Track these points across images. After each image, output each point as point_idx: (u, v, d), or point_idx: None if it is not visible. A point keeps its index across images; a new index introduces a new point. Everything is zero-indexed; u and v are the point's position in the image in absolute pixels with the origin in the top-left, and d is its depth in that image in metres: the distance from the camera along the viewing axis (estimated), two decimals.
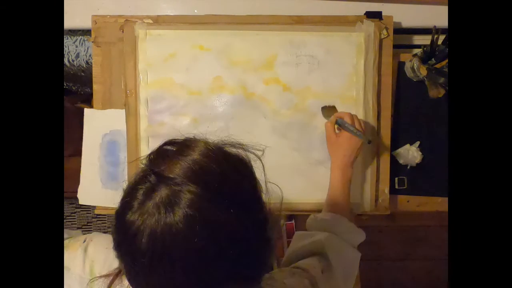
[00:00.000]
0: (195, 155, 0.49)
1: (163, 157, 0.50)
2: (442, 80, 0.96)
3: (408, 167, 1.03)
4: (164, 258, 0.45)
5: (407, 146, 1.03)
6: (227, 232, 0.47)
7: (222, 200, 0.47)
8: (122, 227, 0.48)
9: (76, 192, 1.01)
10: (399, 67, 1.03)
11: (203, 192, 0.46)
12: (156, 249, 0.45)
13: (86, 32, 1.09)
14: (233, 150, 0.53)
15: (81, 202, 1.01)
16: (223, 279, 0.48)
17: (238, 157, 0.53)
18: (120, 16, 0.98)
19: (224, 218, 0.46)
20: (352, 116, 0.88)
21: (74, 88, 1.39)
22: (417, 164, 1.04)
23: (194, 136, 0.53)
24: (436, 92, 1.00)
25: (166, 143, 0.52)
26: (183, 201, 0.45)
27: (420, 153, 1.02)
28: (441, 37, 0.93)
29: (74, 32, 1.10)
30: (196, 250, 0.45)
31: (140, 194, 0.48)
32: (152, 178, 0.48)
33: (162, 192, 0.46)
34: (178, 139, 0.53)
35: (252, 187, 0.52)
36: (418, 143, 1.03)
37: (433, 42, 0.93)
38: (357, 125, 0.87)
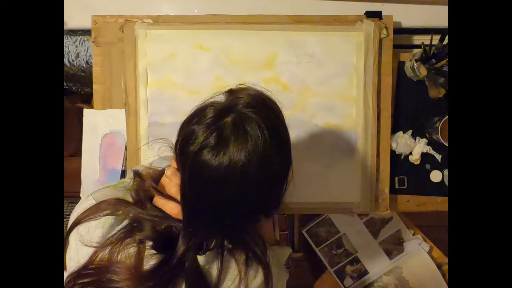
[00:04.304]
0: (255, 93, 0.61)
1: (230, 92, 0.61)
2: (442, 80, 0.96)
3: (402, 157, 1.03)
4: (237, 170, 0.54)
5: (400, 133, 1.03)
6: (276, 156, 0.57)
7: (274, 131, 0.57)
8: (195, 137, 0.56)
9: (76, 191, 1.02)
10: (399, 67, 1.03)
11: (264, 119, 0.56)
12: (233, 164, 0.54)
13: (86, 32, 1.09)
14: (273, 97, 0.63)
15: None
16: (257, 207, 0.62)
17: (278, 106, 0.62)
18: (120, 16, 0.98)
19: (276, 144, 0.57)
20: None
21: (74, 88, 1.39)
22: (417, 164, 1.04)
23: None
24: (436, 92, 1.00)
25: (229, 89, 0.62)
26: (252, 124, 0.55)
27: (413, 140, 1.03)
28: (436, 37, 0.94)
29: (74, 32, 1.10)
30: (254, 167, 0.54)
31: (211, 112, 0.57)
32: (221, 104, 0.58)
33: (232, 115, 0.56)
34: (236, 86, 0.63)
35: (287, 130, 0.63)
36: (410, 131, 1.04)
37: (428, 50, 0.93)
38: None
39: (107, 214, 0.62)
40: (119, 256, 0.59)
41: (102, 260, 0.59)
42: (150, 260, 0.59)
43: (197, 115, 0.58)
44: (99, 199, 0.64)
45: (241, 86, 0.63)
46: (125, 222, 0.62)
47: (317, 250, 1.27)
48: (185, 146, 0.57)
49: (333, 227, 1.27)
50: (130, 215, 0.62)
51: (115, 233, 0.60)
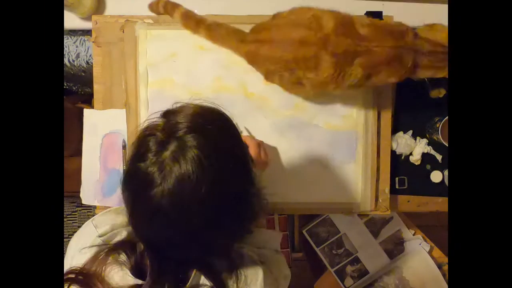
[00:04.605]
0: (194, 113, 0.57)
1: (167, 115, 0.58)
2: (442, 81, 0.96)
3: (403, 157, 1.03)
4: (182, 205, 0.52)
5: (400, 133, 1.03)
6: (226, 180, 0.54)
7: (220, 151, 0.55)
8: (137, 177, 0.54)
9: (76, 191, 1.02)
10: None
11: (206, 143, 0.53)
12: (175, 198, 0.52)
13: (86, 32, 1.09)
14: (217, 109, 0.60)
15: (84, 202, 1.01)
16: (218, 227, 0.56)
17: (225, 115, 0.60)
18: (120, 16, 0.98)
19: (223, 167, 0.54)
20: (258, 146, 0.87)
21: (74, 88, 1.39)
22: (417, 165, 1.04)
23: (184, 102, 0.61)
24: (437, 92, 1.00)
25: (165, 111, 0.60)
26: (190, 153, 0.52)
27: (413, 140, 1.03)
28: None
29: (74, 32, 1.10)
30: (203, 197, 0.52)
31: (152, 145, 0.54)
32: (161, 132, 0.55)
33: (172, 145, 0.53)
34: (173, 106, 0.61)
35: (240, 142, 0.60)
36: (411, 131, 1.04)
37: None
38: (262, 155, 0.87)
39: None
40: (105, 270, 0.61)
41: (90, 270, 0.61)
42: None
43: (139, 151, 0.55)
44: (98, 225, 0.67)
45: (178, 105, 0.60)
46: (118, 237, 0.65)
47: (317, 250, 1.27)
48: (129, 184, 0.56)
49: (333, 227, 1.27)
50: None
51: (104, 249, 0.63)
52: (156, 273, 0.58)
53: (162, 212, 0.52)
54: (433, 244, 1.23)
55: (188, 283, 0.60)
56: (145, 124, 0.58)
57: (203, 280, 0.61)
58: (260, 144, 0.88)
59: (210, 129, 0.56)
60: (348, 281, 1.26)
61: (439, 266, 1.19)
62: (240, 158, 0.58)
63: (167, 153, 0.52)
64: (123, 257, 0.61)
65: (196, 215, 0.53)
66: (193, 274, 0.60)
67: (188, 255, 0.59)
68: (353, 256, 1.26)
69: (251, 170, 0.59)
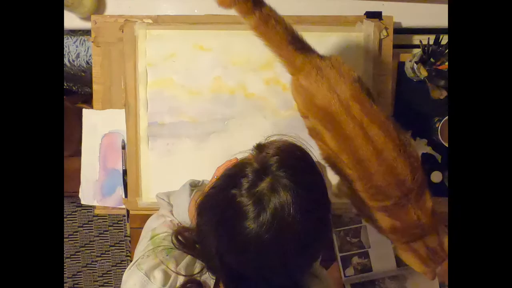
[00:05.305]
0: (283, 149, 0.60)
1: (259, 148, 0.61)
2: (442, 82, 0.96)
3: None
4: (278, 235, 0.53)
5: None
6: (314, 208, 0.56)
7: (306, 183, 0.57)
8: (231, 205, 0.55)
9: (76, 191, 1.01)
10: (399, 67, 1.03)
11: (296, 176, 0.56)
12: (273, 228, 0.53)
13: (86, 32, 1.09)
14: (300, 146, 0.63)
15: (83, 202, 1.01)
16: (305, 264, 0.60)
17: (315, 165, 0.62)
18: (120, 16, 0.98)
19: (311, 196, 0.56)
20: None
21: (74, 88, 1.39)
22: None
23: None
24: (438, 93, 1.00)
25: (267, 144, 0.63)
26: (284, 184, 0.54)
27: (413, 140, 1.03)
28: (432, 37, 0.94)
29: (74, 32, 1.10)
30: (297, 226, 0.54)
31: (250, 177, 0.56)
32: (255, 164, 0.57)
33: (266, 181, 0.55)
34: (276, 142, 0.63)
35: (325, 191, 0.61)
36: (410, 132, 1.03)
37: (427, 49, 0.93)
38: None
39: None
40: None
41: None
42: None
43: (233, 181, 0.57)
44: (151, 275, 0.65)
45: (270, 140, 0.63)
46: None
47: (333, 230, 1.26)
48: (222, 212, 0.57)
49: (358, 216, 1.25)
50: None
51: None
52: None
53: (259, 242, 0.53)
54: (443, 267, 1.22)
55: None
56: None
57: None
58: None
59: (299, 163, 0.59)
60: (350, 271, 1.26)
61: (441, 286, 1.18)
62: (324, 189, 0.61)
63: (263, 185, 0.55)
64: None
65: (290, 242, 0.55)
66: None
67: (274, 282, 0.59)
68: (363, 250, 1.25)
69: (329, 200, 0.62)
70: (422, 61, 0.95)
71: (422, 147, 1.02)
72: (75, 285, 1.84)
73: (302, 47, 0.70)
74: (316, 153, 0.63)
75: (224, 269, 0.59)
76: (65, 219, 1.81)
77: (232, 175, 0.58)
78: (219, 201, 0.57)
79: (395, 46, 0.99)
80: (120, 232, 1.85)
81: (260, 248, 0.54)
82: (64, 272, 1.82)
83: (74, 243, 1.83)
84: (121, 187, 0.99)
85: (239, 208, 0.54)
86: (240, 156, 0.61)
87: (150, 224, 0.76)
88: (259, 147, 0.61)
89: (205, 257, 0.64)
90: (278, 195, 0.54)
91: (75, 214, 1.83)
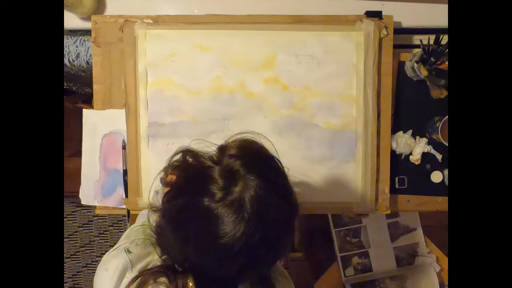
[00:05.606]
0: (255, 152, 0.60)
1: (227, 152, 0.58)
2: (443, 82, 0.96)
3: (402, 157, 1.03)
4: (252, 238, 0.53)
5: (400, 133, 1.03)
6: (283, 209, 0.57)
7: (275, 191, 0.56)
8: (204, 213, 0.54)
9: (76, 191, 1.01)
10: (399, 67, 1.03)
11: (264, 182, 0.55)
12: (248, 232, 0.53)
13: (86, 32, 1.09)
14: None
15: (83, 202, 1.01)
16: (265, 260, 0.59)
17: (276, 158, 0.63)
18: (120, 16, 0.98)
19: (276, 204, 0.56)
20: None
21: (74, 88, 1.39)
22: (417, 164, 1.04)
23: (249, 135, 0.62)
24: (439, 93, 1.00)
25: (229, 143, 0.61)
26: (259, 193, 0.54)
27: (413, 140, 1.02)
28: (432, 37, 0.94)
29: (74, 32, 1.10)
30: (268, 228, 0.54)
31: (219, 183, 0.54)
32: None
33: (239, 186, 0.54)
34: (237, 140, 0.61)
35: (288, 181, 0.62)
36: (410, 131, 1.03)
37: (427, 48, 0.93)
38: None
39: None
40: None
41: None
42: None
43: (199, 188, 0.56)
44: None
45: (232, 140, 0.61)
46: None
47: (333, 230, 1.25)
48: (195, 218, 0.55)
49: (358, 216, 1.25)
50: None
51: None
52: None
53: (234, 250, 0.53)
54: (444, 267, 1.23)
55: None
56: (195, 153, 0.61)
57: None
58: None
59: (264, 162, 0.60)
60: (350, 271, 1.26)
61: (442, 285, 1.19)
62: (287, 186, 0.62)
63: (238, 190, 0.54)
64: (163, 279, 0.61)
65: (260, 246, 0.54)
66: None
67: (243, 277, 0.60)
68: (363, 250, 1.26)
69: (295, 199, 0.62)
70: (423, 60, 0.95)
71: (422, 147, 1.02)
72: (75, 285, 1.85)
73: None
74: (273, 147, 0.63)
75: (195, 268, 0.59)
76: (65, 219, 1.82)
77: (196, 181, 0.57)
78: (191, 214, 0.56)
79: (395, 46, 0.99)
80: (120, 232, 1.85)
81: (247, 251, 0.54)
82: (64, 272, 1.82)
83: (74, 243, 1.83)
84: (121, 187, 0.99)
85: (215, 219, 0.53)
86: (195, 145, 0.61)
87: (145, 212, 0.77)
88: (221, 149, 0.60)
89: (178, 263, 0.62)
90: (258, 197, 0.53)
91: (75, 214, 1.83)
